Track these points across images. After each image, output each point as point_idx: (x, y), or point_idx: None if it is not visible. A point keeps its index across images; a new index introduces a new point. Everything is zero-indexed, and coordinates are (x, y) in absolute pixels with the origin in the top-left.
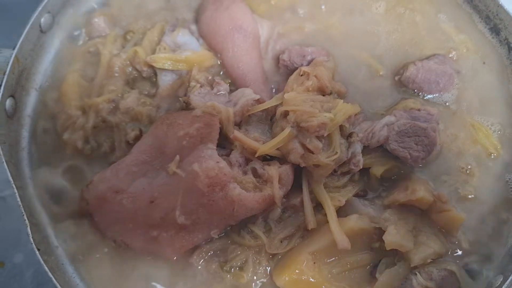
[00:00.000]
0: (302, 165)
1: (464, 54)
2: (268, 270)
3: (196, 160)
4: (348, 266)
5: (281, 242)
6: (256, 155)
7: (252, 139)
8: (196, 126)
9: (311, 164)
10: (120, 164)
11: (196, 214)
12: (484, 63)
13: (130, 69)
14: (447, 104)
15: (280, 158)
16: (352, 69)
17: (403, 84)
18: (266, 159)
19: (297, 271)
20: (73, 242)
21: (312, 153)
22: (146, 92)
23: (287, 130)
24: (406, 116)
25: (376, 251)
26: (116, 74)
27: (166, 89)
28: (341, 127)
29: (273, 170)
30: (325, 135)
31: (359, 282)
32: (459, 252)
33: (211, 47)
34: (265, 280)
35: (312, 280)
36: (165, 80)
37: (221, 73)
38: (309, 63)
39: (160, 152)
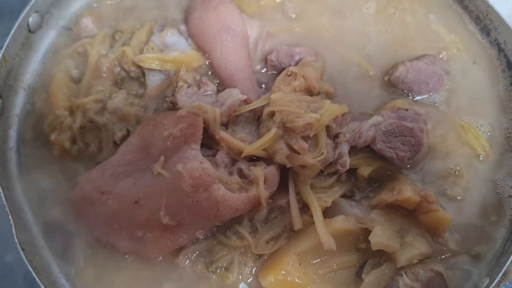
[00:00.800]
0: (288, 165)
1: (454, 55)
2: (254, 270)
3: (180, 161)
4: (334, 267)
5: (267, 242)
6: (242, 156)
7: (238, 139)
8: (180, 126)
9: (297, 165)
10: (106, 164)
11: (180, 215)
12: (474, 63)
13: (118, 69)
14: (436, 104)
15: (266, 159)
16: (342, 69)
17: (392, 85)
18: (253, 159)
19: (282, 272)
20: (59, 242)
21: (298, 153)
22: (134, 92)
23: (273, 131)
24: (393, 116)
25: (363, 252)
26: (104, 74)
27: (154, 89)
28: (327, 128)
29: (259, 171)
30: (311, 135)
31: (345, 283)
32: (446, 253)
33: (200, 48)
34: (250, 281)
35: (298, 281)
36: (153, 80)
37: (209, 73)
38: (297, 63)
39: (146, 153)
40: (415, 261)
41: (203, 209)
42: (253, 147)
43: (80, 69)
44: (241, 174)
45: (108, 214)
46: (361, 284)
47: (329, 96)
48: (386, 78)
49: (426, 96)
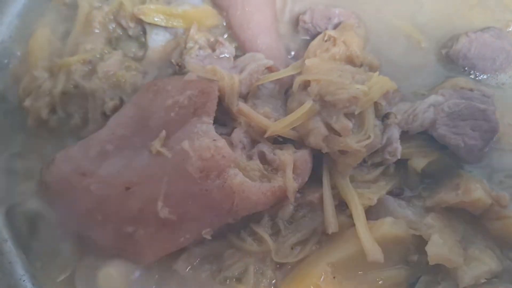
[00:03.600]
0: (325, 150)
1: None
2: (274, 283)
3: (186, 137)
4: (378, 283)
5: (292, 248)
6: (266, 135)
7: (261, 114)
8: (188, 93)
9: (336, 150)
10: (92, 139)
11: (184, 207)
12: None
13: (113, 25)
14: (504, 86)
15: (296, 141)
16: (388, 39)
17: (451, 60)
18: (278, 141)
19: (311, 287)
20: (27, 234)
21: (339, 135)
22: (132, 55)
23: (308, 105)
24: (457, 96)
25: (414, 266)
26: (96, 30)
27: (157, 51)
28: (375, 105)
29: (286, 156)
30: (356, 112)
31: None
32: None
33: (216, 4)
34: None
35: None
36: (156, 40)
37: (226, 36)
38: (335, 27)
39: (142, 126)
40: (482, 280)
41: (213, 200)
42: (281, 125)
43: (67, 24)
44: (263, 159)
45: (90, 202)
46: None
47: (373, 69)
48: (443, 52)
49: (491, 75)
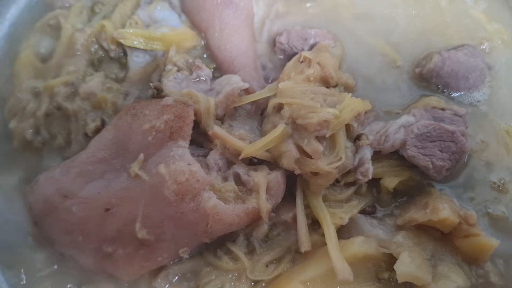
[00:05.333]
0: (297, 172)
1: (498, 47)
2: None
3: (162, 161)
4: None
5: (267, 266)
6: (241, 157)
7: (236, 137)
8: (164, 118)
9: (308, 172)
10: (73, 161)
11: (160, 228)
12: None
13: (95, 47)
14: (476, 104)
15: (270, 163)
16: (363, 58)
17: (424, 78)
18: (253, 162)
19: None
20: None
21: (310, 157)
22: (113, 76)
23: (280, 128)
24: (427, 116)
25: (385, 283)
26: (78, 53)
27: (137, 72)
28: (347, 127)
29: (260, 177)
30: (327, 135)
31: None
32: None
33: (195, 25)
34: None
35: None
36: (137, 62)
37: (205, 56)
38: (311, 47)
39: (122, 149)
40: None
41: (188, 222)
42: (254, 147)
43: (51, 45)
44: (238, 180)
45: (71, 223)
46: None
47: (348, 89)
48: (417, 71)
49: (464, 93)
